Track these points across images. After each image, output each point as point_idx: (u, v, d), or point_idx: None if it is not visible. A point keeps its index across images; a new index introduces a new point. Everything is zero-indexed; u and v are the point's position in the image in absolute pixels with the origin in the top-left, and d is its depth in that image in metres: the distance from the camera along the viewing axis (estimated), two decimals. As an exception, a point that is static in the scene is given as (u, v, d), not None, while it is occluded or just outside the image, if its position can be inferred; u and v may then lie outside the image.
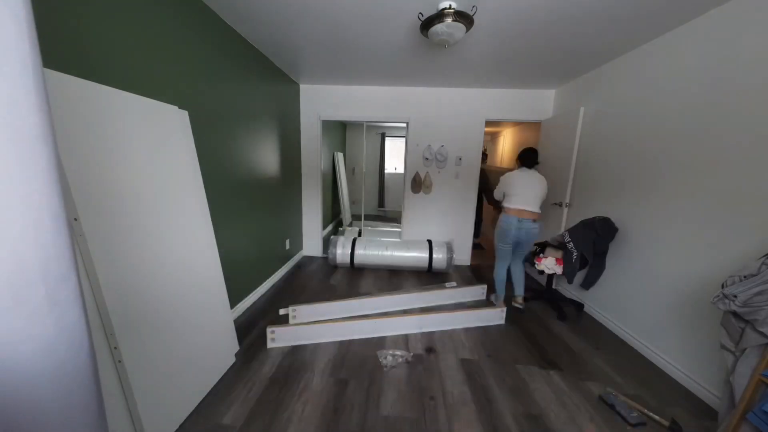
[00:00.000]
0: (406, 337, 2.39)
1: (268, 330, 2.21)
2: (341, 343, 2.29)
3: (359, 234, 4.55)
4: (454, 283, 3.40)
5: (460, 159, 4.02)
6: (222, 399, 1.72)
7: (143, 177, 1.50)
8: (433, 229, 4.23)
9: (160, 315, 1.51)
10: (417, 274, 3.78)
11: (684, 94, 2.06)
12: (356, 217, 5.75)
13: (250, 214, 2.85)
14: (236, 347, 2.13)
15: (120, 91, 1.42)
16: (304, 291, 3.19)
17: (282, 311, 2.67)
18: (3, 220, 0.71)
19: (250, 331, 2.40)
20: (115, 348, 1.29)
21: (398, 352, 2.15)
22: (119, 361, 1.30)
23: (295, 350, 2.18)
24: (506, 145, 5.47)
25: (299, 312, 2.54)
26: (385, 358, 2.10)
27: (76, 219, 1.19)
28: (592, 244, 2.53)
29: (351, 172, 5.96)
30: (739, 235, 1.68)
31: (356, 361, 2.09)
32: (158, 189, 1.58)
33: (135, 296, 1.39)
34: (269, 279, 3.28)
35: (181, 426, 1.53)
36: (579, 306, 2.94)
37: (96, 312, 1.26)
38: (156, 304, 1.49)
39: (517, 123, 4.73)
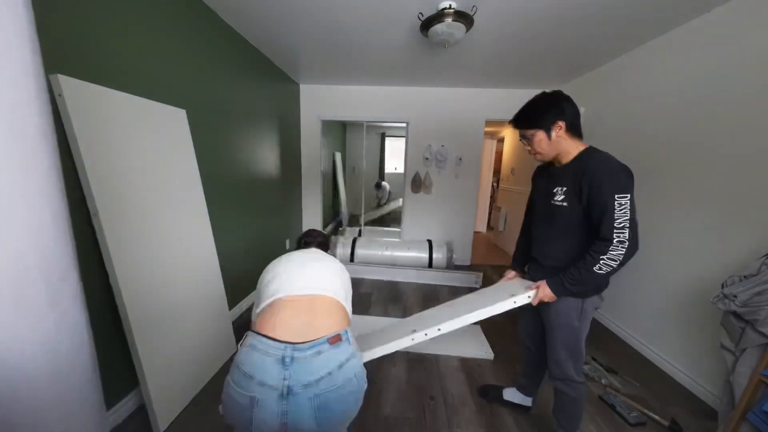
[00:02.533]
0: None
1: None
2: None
3: (359, 234, 4.55)
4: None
5: (460, 159, 4.02)
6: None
7: (147, 177, 1.55)
8: (433, 229, 4.23)
9: (164, 305, 1.58)
10: (417, 274, 3.79)
11: (684, 94, 2.06)
12: (356, 217, 5.75)
13: (250, 213, 2.85)
14: (233, 344, 2.14)
15: (124, 93, 1.45)
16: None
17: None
18: (4, 219, 0.71)
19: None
20: (129, 332, 1.39)
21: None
22: (132, 344, 1.40)
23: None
24: (507, 146, 5.47)
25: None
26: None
27: (95, 214, 1.28)
28: (593, 244, 2.53)
29: (351, 171, 5.95)
30: (739, 235, 1.68)
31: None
32: (158, 188, 1.61)
33: (144, 282, 1.48)
34: (269, 279, 3.27)
35: (180, 420, 1.53)
36: (579, 306, 2.93)
37: (108, 299, 1.28)
38: (159, 295, 1.56)
39: (517, 123, 4.73)
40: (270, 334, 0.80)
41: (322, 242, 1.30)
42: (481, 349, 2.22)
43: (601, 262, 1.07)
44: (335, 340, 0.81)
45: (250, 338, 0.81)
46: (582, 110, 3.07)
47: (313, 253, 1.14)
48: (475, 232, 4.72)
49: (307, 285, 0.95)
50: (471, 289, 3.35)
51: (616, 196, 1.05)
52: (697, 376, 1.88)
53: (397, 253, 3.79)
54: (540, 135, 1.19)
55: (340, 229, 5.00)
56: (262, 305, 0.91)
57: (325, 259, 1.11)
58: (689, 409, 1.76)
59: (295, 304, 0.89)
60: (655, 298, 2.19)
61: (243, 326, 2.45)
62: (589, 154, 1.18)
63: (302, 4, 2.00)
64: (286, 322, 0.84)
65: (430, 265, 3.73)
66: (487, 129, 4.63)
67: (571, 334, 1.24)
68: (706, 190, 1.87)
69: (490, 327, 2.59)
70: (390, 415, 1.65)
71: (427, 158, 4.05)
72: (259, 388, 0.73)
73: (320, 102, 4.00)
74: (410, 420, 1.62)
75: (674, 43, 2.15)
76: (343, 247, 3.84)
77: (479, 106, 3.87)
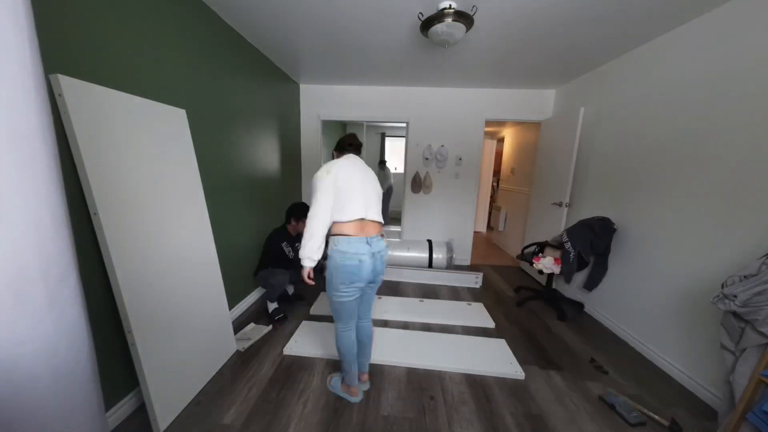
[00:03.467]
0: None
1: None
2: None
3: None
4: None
5: (460, 159, 4.02)
6: (222, 399, 1.72)
7: (147, 177, 1.55)
8: (433, 229, 4.24)
9: (164, 305, 1.59)
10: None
11: (684, 94, 2.06)
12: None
13: (250, 213, 2.85)
14: (233, 344, 2.14)
15: (124, 93, 1.45)
16: (305, 291, 3.18)
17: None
18: (3, 219, 0.71)
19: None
20: (129, 332, 1.39)
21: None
22: (132, 344, 1.41)
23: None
24: (507, 146, 5.47)
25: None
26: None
27: (95, 213, 1.28)
28: (590, 244, 2.53)
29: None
30: (739, 235, 1.68)
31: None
32: (158, 188, 1.61)
33: (144, 282, 1.48)
34: (269, 279, 3.28)
35: (180, 420, 1.53)
36: (579, 306, 2.94)
37: (108, 299, 1.28)
38: (159, 295, 1.56)
39: (517, 123, 4.73)
40: (361, 235, 1.50)
41: (359, 146, 1.72)
42: (509, 367, 2.03)
43: None
44: (381, 236, 1.60)
45: (346, 239, 1.48)
46: (582, 110, 3.10)
47: (364, 171, 1.61)
48: (475, 232, 4.72)
49: (374, 212, 1.57)
50: (471, 290, 3.36)
51: None
52: (697, 376, 1.88)
53: (397, 253, 3.79)
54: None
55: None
56: (350, 217, 1.48)
57: (373, 180, 1.64)
58: (689, 409, 1.76)
59: (370, 224, 1.54)
60: (655, 298, 2.19)
61: (243, 326, 2.45)
62: None
63: (302, 4, 2.00)
64: (367, 230, 1.52)
65: (430, 265, 3.73)
66: (487, 129, 4.63)
67: None
68: (706, 190, 1.87)
69: (483, 332, 2.59)
70: (390, 415, 1.65)
71: (427, 158, 4.05)
72: (361, 256, 1.47)
73: (320, 102, 4.00)
74: (410, 420, 1.62)
75: (674, 43, 2.15)
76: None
77: (479, 106, 3.87)
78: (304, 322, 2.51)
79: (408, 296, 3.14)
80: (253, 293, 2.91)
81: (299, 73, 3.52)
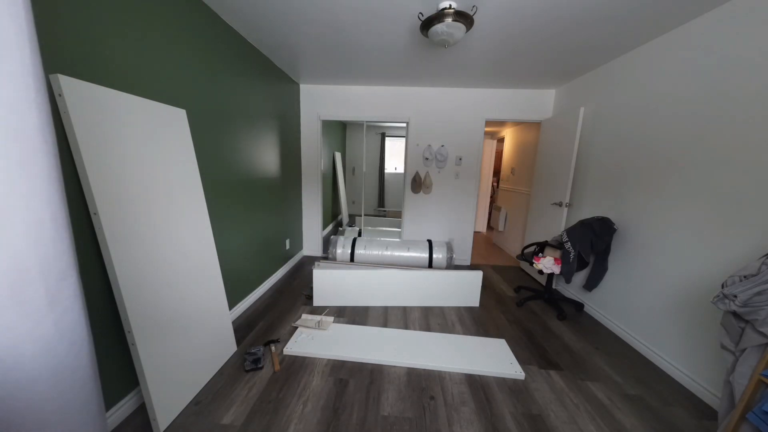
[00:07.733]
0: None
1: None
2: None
3: (359, 234, 4.55)
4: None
5: (460, 159, 4.02)
6: (222, 399, 1.72)
7: (147, 177, 1.55)
8: (433, 229, 4.24)
9: (164, 305, 1.59)
10: (417, 274, 3.78)
11: (684, 94, 2.06)
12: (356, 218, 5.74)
13: (250, 213, 2.85)
14: (233, 344, 2.15)
15: (124, 93, 1.46)
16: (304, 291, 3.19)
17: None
18: (3, 219, 0.71)
19: (250, 331, 2.41)
20: (129, 332, 1.38)
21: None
22: (132, 344, 1.40)
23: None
24: (507, 145, 5.47)
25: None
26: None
27: (95, 213, 1.28)
28: (590, 244, 2.54)
29: (351, 172, 5.95)
30: (739, 235, 1.68)
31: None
32: (158, 188, 1.61)
33: (144, 282, 1.48)
34: (269, 279, 3.28)
35: (180, 420, 1.53)
36: (579, 306, 2.94)
37: (108, 299, 1.28)
38: (160, 295, 1.56)
39: (517, 123, 4.73)
40: None
41: None
42: (510, 367, 2.03)
43: None
44: None
45: None
46: (582, 110, 3.10)
47: None
48: (475, 232, 4.73)
49: None
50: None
51: None
52: (697, 376, 1.88)
53: (397, 253, 3.79)
54: None
55: (340, 229, 5.00)
56: None
57: None
58: (689, 409, 1.76)
59: None
60: (655, 298, 2.19)
61: (243, 326, 2.46)
62: None
63: (302, 4, 2.00)
64: None
65: (430, 265, 3.73)
66: (487, 129, 4.63)
67: None
68: (706, 190, 1.87)
69: (483, 331, 2.58)
70: (390, 414, 1.65)
71: (427, 158, 4.05)
72: None
73: (320, 102, 4.00)
74: (410, 420, 1.62)
75: (674, 43, 2.15)
76: (342, 247, 3.84)
77: (479, 106, 3.87)
78: (304, 322, 2.52)
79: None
80: (253, 293, 2.91)
81: (299, 73, 3.52)
